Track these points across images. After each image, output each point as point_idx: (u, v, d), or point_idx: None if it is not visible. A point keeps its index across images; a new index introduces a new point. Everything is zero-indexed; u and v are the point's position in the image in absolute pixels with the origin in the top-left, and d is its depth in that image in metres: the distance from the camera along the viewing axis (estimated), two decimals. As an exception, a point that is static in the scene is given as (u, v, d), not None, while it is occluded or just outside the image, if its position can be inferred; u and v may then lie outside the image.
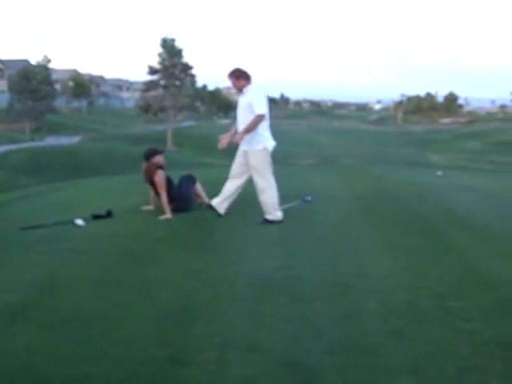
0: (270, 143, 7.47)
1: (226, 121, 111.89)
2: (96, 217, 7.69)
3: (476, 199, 9.59)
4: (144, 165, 8.08)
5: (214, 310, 4.47)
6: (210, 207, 7.78)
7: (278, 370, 3.45)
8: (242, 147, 7.48)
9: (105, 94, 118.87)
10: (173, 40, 59.30)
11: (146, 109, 63.64)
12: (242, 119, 7.37)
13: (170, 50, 58.89)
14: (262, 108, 7.26)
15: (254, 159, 7.40)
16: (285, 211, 7.80)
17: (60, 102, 76.55)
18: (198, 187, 8.31)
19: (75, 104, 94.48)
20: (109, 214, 7.83)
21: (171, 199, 7.86)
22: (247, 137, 7.27)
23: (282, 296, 4.75)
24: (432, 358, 3.61)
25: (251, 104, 7.24)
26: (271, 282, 5.11)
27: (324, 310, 4.44)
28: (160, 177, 7.81)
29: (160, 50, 59.16)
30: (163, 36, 59.56)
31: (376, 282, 5.13)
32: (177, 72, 59.76)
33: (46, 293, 4.87)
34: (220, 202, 7.71)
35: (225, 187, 7.73)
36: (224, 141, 7.51)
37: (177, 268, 5.57)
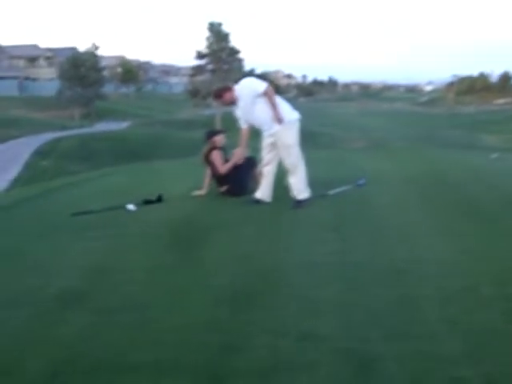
0: (294, 114, 7.37)
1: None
2: (147, 202, 7.69)
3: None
4: (204, 146, 8.20)
5: (267, 295, 4.39)
6: (257, 202, 7.55)
7: (334, 358, 3.35)
8: (268, 132, 7.33)
9: (153, 80, 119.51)
10: (220, 24, 59.34)
11: (194, 93, 63.87)
12: (256, 112, 7.25)
13: (217, 34, 58.93)
14: (261, 82, 7.24)
15: (284, 135, 7.24)
16: (336, 195, 7.70)
17: (108, 89, 77.37)
18: (257, 171, 8.07)
19: (123, 90, 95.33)
20: (159, 199, 7.83)
21: (226, 181, 7.90)
22: (267, 121, 7.19)
23: (336, 282, 4.64)
24: (490, 348, 3.47)
25: (250, 91, 7.18)
26: (325, 268, 4.99)
27: (380, 297, 4.31)
28: (215, 154, 7.96)
29: (207, 34, 59.33)
30: (210, 20, 59.69)
31: (432, 268, 4.97)
32: (224, 56, 59.78)
33: (98, 278, 4.87)
34: (263, 192, 7.56)
35: (262, 178, 7.58)
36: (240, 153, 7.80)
37: (229, 254, 5.50)
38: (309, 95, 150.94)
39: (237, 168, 7.99)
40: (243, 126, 7.50)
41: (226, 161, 8.01)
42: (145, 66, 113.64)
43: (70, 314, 4.09)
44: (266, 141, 7.42)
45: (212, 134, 8.27)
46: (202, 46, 59.84)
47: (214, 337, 3.65)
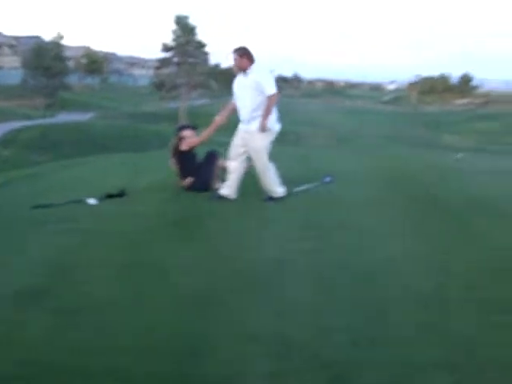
0: (277, 126, 7.29)
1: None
2: (109, 196, 7.44)
3: (500, 183, 9.25)
4: (173, 139, 8.12)
5: (236, 297, 4.22)
6: (221, 198, 7.41)
7: (306, 365, 3.21)
8: (245, 127, 7.23)
9: (118, 71, 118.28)
10: (186, 17, 58.87)
11: (159, 86, 63.27)
12: (247, 101, 7.12)
13: (184, 27, 58.44)
14: (274, 87, 7.06)
15: (257, 139, 7.15)
16: (304, 193, 7.58)
17: (73, 79, 76.32)
18: (218, 166, 7.97)
19: (88, 81, 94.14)
20: (122, 194, 7.58)
21: (190, 174, 7.76)
22: (250, 116, 7.09)
23: (306, 282, 4.52)
24: (467, 354, 3.37)
25: (260, 84, 7.00)
26: (297, 267, 4.87)
27: (351, 299, 4.21)
28: (188, 141, 7.89)
29: (174, 27, 58.81)
30: (177, 13, 59.20)
31: (403, 269, 4.90)
32: (191, 49, 59.32)
33: (59, 276, 4.63)
34: (229, 189, 7.41)
35: (229, 174, 7.45)
36: (220, 120, 7.58)
37: (195, 251, 5.31)
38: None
39: (202, 164, 7.95)
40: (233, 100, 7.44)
41: (196, 161, 7.99)
42: (110, 57, 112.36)
43: (27, 315, 3.85)
44: (239, 134, 7.31)
45: (183, 127, 8.18)
46: (169, 39, 59.35)
47: (179, 341, 3.48)
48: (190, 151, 7.90)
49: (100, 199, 7.24)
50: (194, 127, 8.22)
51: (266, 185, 7.32)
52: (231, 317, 3.85)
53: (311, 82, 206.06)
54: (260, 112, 7.02)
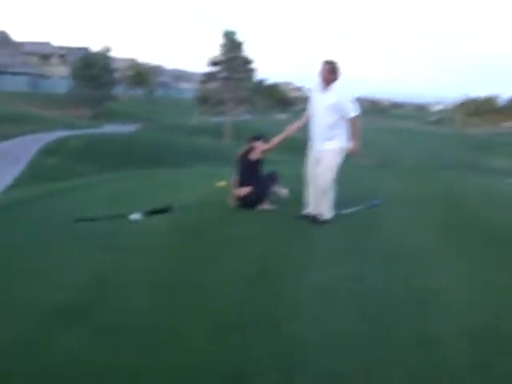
0: (348, 144, 7.16)
1: (282, 116, 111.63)
2: (154, 212, 7.40)
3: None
4: (244, 147, 8.05)
5: (278, 326, 4.05)
6: (303, 217, 7.31)
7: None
8: (319, 146, 7.10)
9: (164, 84, 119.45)
10: (234, 32, 59.11)
11: (203, 100, 63.54)
12: (324, 119, 6.96)
13: (232, 42, 58.68)
14: (357, 108, 6.94)
15: (333, 158, 7.03)
16: (350, 215, 7.42)
17: (119, 91, 77.34)
18: (274, 187, 8.02)
19: (133, 93, 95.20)
20: (166, 210, 7.53)
21: (250, 184, 7.68)
22: (325, 134, 6.99)
23: (350, 311, 4.33)
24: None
25: (341, 105, 6.84)
26: (338, 294, 4.68)
27: (399, 331, 4.00)
28: (259, 148, 7.81)
29: (221, 41, 59.09)
30: (225, 28, 59.50)
31: (455, 300, 4.66)
32: (237, 65, 59.48)
33: (100, 292, 4.58)
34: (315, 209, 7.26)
35: (308, 196, 7.33)
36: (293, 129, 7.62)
37: (238, 273, 5.18)
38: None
39: (262, 176, 7.92)
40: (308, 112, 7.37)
41: (259, 174, 7.93)
42: (156, 70, 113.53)
43: (68, 332, 3.78)
44: (312, 155, 7.22)
45: (256, 138, 8.05)
46: (216, 54, 59.64)
47: (217, 373, 3.33)
48: (258, 162, 7.79)
49: (145, 214, 7.19)
50: (265, 139, 8.03)
51: (320, 206, 7.13)
52: (271, 348, 3.68)
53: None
54: (335, 131, 6.93)
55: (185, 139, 46.94)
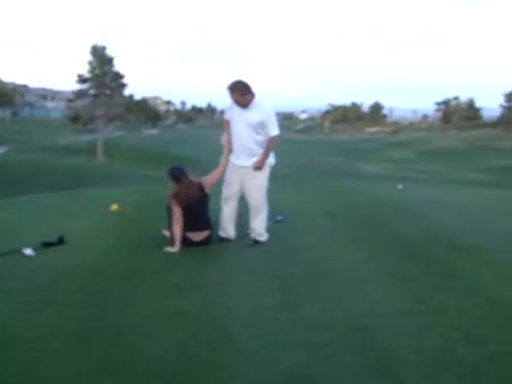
0: (273, 159, 6.92)
1: (153, 131, 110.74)
2: (46, 244, 6.70)
3: (451, 215, 8.98)
4: (174, 186, 6.73)
5: (219, 371, 3.60)
6: (222, 240, 6.99)
7: None
8: (243, 163, 6.73)
9: (29, 104, 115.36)
10: (104, 47, 57.76)
11: (75, 119, 61.67)
12: (248, 137, 6.63)
13: (101, 57, 57.30)
14: (277, 127, 6.67)
15: (261, 174, 6.76)
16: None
17: (-18, 112, 73.65)
18: None
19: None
20: (60, 241, 6.85)
21: (207, 226, 6.88)
22: (250, 152, 6.68)
23: (293, 348, 3.91)
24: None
25: (264, 123, 6.53)
26: (277, 329, 4.26)
27: (349, 366, 3.65)
28: (209, 179, 6.98)
29: (89, 58, 57.56)
30: (93, 43, 58.02)
31: (396, 323, 4.37)
32: (108, 81, 58.15)
33: (1, 353, 3.85)
34: (227, 230, 7.04)
35: (222, 215, 6.98)
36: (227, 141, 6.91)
37: (157, 311, 4.62)
38: (188, 122, 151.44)
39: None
40: (225, 134, 6.95)
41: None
42: (21, 90, 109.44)
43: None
44: (235, 171, 6.83)
45: (181, 171, 6.84)
46: (84, 70, 58.01)
47: None
48: (206, 194, 6.90)
49: (37, 249, 6.49)
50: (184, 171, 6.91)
51: (258, 227, 6.86)
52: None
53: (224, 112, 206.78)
54: (259, 148, 6.65)
55: (57, 160, 45.22)
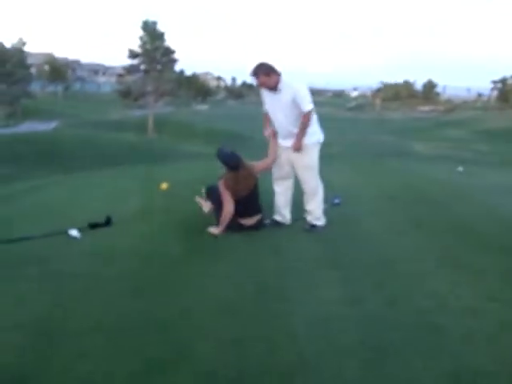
0: (321, 136, 6.52)
1: (204, 106, 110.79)
2: (93, 226, 6.42)
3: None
4: (229, 175, 6.33)
5: (278, 376, 3.26)
6: (276, 223, 6.67)
7: None
8: (287, 143, 6.37)
9: (81, 79, 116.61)
10: (154, 23, 57.57)
11: (125, 94, 61.87)
12: (285, 118, 6.28)
13: (152, 33, 57.17)
14: (311, 102, 6.19)
15: (307, 155, 6.36)
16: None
17: (35, 87, 74.62)
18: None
19: (51, 89, 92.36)
20: (108, 222, 6.57)
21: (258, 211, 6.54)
22: (289, 133, 6.30)
23: (364, 350, 3.56)
24: None
25: (295, 100, 6.11)
26: (341, 327, 3.89)
27: (425, 371, 3.28)
28: (261, 166, 6.67)
29: (140, 33, 57.50)
30: (145, 19, 57.90)
31: (468, 323, 3.98)
32: (158, 56, 58.03)
33: (42, 349, 3.55)
34: (283, 215, 6.70)
35: (276, 198, 6.67)
36: (269, 133, 6.57)
37: (209, 303, 4.31)
38: (238, 98, 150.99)
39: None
40: (265, 111, 6.58)
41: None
42: (73, 65, 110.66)
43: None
44: (282, 153, 6.49)
45: (238, 159, 6.35)
46: (135, 45, 58.02)
47: None
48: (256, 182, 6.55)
49: (83, 230, 6.22)
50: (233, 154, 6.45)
51: (314, 210, 6.52)
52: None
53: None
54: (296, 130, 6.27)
55: (108, 135, 45.43)
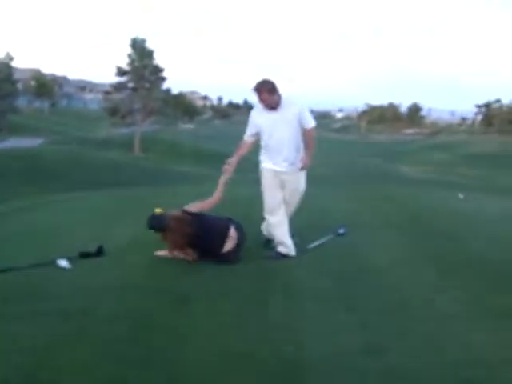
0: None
1: (190, 126, 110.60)
2: (83, 255, 5.95)
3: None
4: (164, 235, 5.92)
5: None
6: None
7: None
8: (287, 168, 6.12)
9: (68, 95, 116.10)
10: (144, 40, 57.27)
11: (113, 111, 61.36)
12: (290, 139, 6.06)
13: (141, 50, 56.84)
14: (312, 118, 6.13)
15: (302, 178, 6.30)
16: (319, 249, 6.36)
17: (21, 102, 74.06)
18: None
19: (37, 104, 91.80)
20: (99, 252, 6.10)
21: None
22: (294, 155, 6.12)
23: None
24: None
25: (300, 116, 6.00)
26: (363, 380, 3.47)
27: None
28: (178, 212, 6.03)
29: (129, 50, 57.14)
30: (133, 36, 57.59)
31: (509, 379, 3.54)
32: (147, 74, 57.65)
33: None
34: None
35: (277, 229, 6.28)
36: (230, 167, 6.14)
37: (216, 350, 3.81)
38: (224, 117, 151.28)
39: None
40: (248, 138, 6.24)
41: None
42: (60, 81, 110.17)
43: None
44: (277, 178, 6.18)
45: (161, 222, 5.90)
46: (123, 63, 57.65)
47: None
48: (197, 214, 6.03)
49: (72, 260, 5.75)
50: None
51: (287, 234, 6.26)
52: None
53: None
54: (299, 150, 6.15)
55: (94, 153, 44.90)
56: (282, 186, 6.20)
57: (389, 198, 11.44)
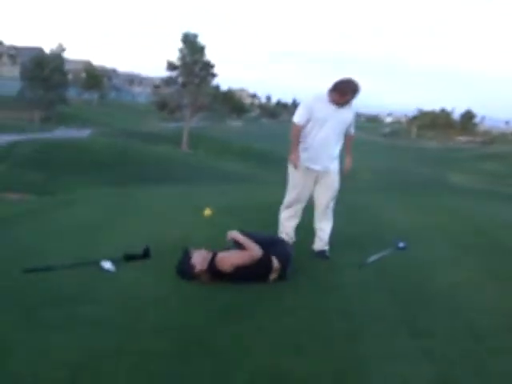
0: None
1: (238, 123, 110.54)
2: (129, 257, 5.58)
3: None
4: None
5: None
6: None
7: None
8: (325, 166, 6.10)
9: (116, 88, 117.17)
10: (195, 35, 57.10)
11: (162, 106, 61.46)
12: (331, 137, 6.04)
13: (192, 45, 56.71)
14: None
15: (337, 180, 6.25)
16: (377, 263, 5.96)
17: (71, 93, 74.94)
18: None
19: (86, 96, 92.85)
20: (146, 254, 5.73)
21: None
22: (335, 153, 6.17)
23: None
24: None
25: (351, 122, 6.19)
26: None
27: None
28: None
29: (180, 45, 57.08)
30: (185, 31, 57.54)
31: None
32: (197, 69, 57.52)
33: None
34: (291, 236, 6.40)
35: (287, 222, 6.38)
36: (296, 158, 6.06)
37: (267, 373, 3.41)
38: (272, 116, 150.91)
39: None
40: (300, 122, 6.01)
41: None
42: (110, 73, 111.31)
43: None
44: (311, 175, 6.14)
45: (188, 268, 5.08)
46: (173, 57, 57.66)
47: None
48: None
49: (117, 262, 5.39)
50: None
51: (328, 233, 6.30)
52: None
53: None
54: (337, 150, 6.19)
55: (142, 146, 44.95)
56: (317, 182, 6.17)
57: (447, 209, 10.82)
